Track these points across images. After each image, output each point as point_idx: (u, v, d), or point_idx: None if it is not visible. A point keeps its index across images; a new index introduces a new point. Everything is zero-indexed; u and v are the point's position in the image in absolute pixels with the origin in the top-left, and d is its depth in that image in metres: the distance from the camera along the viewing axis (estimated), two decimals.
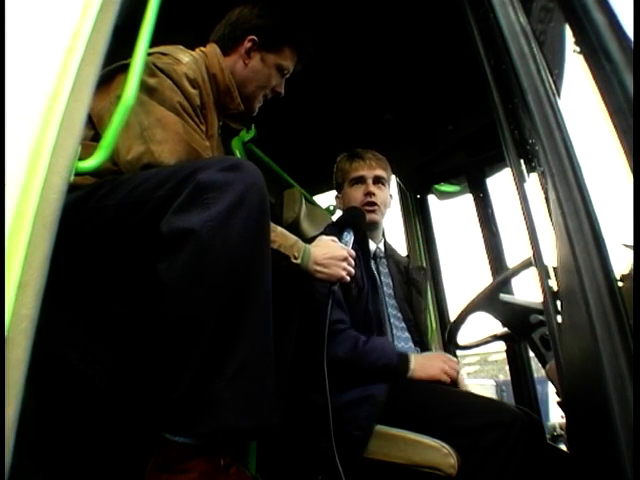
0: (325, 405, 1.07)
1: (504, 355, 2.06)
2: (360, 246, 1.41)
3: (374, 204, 1.50)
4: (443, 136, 2.17)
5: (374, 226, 1.53)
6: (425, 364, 1.24)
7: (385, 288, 1.48)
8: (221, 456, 0.74)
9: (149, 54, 0.90)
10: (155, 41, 0.80)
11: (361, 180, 1.53)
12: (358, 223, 1.42)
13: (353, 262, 1.14)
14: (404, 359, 1.24)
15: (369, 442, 1.12)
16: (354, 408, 1.14)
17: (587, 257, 0.52)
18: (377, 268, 1.51)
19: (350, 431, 1.11)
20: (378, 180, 1.54)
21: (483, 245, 2.10)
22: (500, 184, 2.22)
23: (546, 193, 0.63)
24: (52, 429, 0.79)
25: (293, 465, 1.22)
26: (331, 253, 1.09)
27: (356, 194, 1.52)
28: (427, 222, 2.39)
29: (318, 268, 1.06)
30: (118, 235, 0.80)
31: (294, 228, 1.72)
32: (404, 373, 1.23)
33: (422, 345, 1.47)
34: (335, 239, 1.16)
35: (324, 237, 1.15)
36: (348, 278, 1.12)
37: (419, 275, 1.65)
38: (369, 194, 1.50)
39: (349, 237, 1.31)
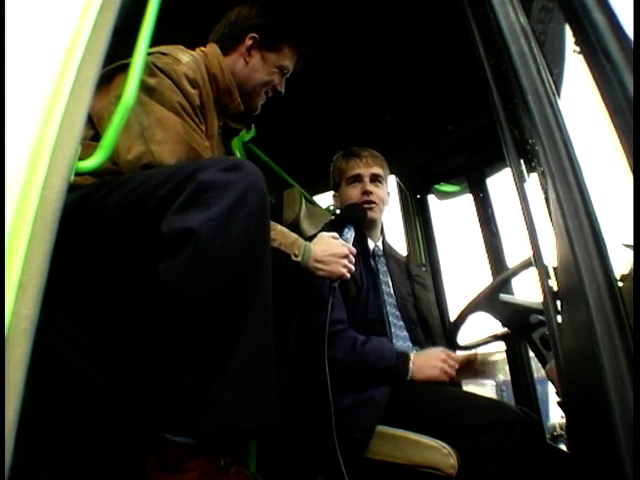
0: (326, 405, 1.07)
1: (504, 355, 2.06)
2: (359, 244, 1.41)
3: (372, 202, 1.50)
4: (443, 136, 2.17)
5: (372, 224, 1.53)
6: (423, 365, 1.23)
7: (384, 286, 1.47)
8: (221, 456, 0.74)
9: (149, 54, 0.90)
10: (155, 41, 0.80)
11: (358, 178, 1.54)
12: (359, 219, 1.43)
13: (354, 259, 1.14)
14: (403, 360, 1.23)
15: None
16: (355, 410, 1.14)
17: (587, 257, 0.52)
18: (376, 266, 1.51)
19: (351, 433, 1.11)
20: (375, 178, 1.54)
21: (483, 245, 2.10)
22: (500, 184, 2.22)
23: (546, 193, 0.63)
24: (52, 429, 0.78)
25: (293, 465, 1.22)
26: (331, 250, 1.09)
27: (353, 193, 1.53)
28: (427, 222, 2.39)
29: (318, 265, 1.06)
30: (118, 235, 0.80)
31: (294, 228, 1.71)
32: (403, 375, 1.22)
33: (432, 337, 1.46)
34: (336, 235, 1.16)
35: (325, 234, 1.15)
36: (349, 275, 1.12)
37: (420, 271, 1.65)
38: (366, 193, 1.50)
39: (350, 234, 1.31)
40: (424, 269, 1.74)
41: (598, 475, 0.55)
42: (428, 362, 1.24)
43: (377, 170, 1.55)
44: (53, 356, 0.77)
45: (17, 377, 0.47)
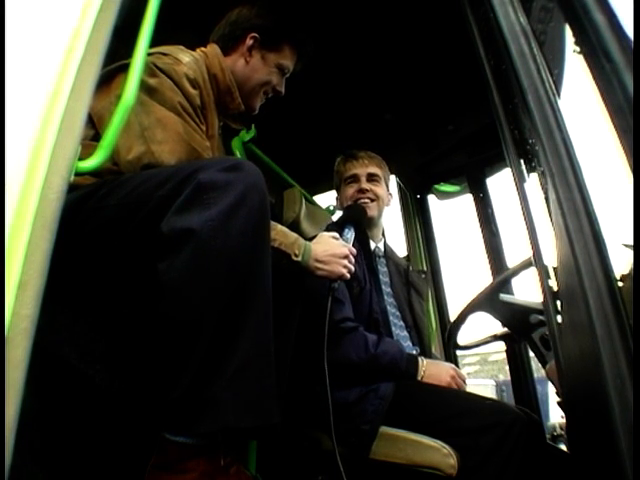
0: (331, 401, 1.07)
1: (504, 355, 2.06)
2: (360, 244, 1.41)
3: (368, 199, 1.52)
4: (443, 136, 2.17)
5: (371, 221, 1.54)
6: (433, 374, 1.26)
7: (384, 287, 1.48)
8: (221, 456, 0.74)
9: (149, 54, 0.90)
10: (155, 41, 0.80)
11: (355, 178, 1.57)
12: (358, 219, 1.43)
13: (354, 260, 1.14)
14: (414, 366, 1.26)
15: None
16: (362, 403, 1.16)
17: (587, 257, 0.52)
18: (376, 266, 1.51)
19: (358, 425, 1.12)
20: (372, 177, 1.56)
21: (483, 245, 2.10)
22: (500, 184, 2.22)
23: (546, 193, 0.63)
24: (52, 429, 0.78)
25: (293, 465, 1.22)
26: (332, 250, 1.09)
27: (350, 192, 1.56)
28: (427, 222, 2.39)
29: (318, 265, 1.06)
30: (118, 235, 0.80)
31: (294, 228, 1.71)
32: (412, 376, 1.25)
33: (422, 345, 1.48)
34: (336, 235, 1.16)
35: (325, 234, 1.15)
36: (348, 275, 1.12)
37: (419, 279, 1.66)
38: (361, 191, 1.53)
39: (350, 234, 1.31)
40: (423, 276, 1.75)
41: (598, 475, 0.55)
42: (439, 376, 1.27)
43: (374, 170, 1.57)
44: (53, 356, 0.77)
45: (17, 377, 0.47)
